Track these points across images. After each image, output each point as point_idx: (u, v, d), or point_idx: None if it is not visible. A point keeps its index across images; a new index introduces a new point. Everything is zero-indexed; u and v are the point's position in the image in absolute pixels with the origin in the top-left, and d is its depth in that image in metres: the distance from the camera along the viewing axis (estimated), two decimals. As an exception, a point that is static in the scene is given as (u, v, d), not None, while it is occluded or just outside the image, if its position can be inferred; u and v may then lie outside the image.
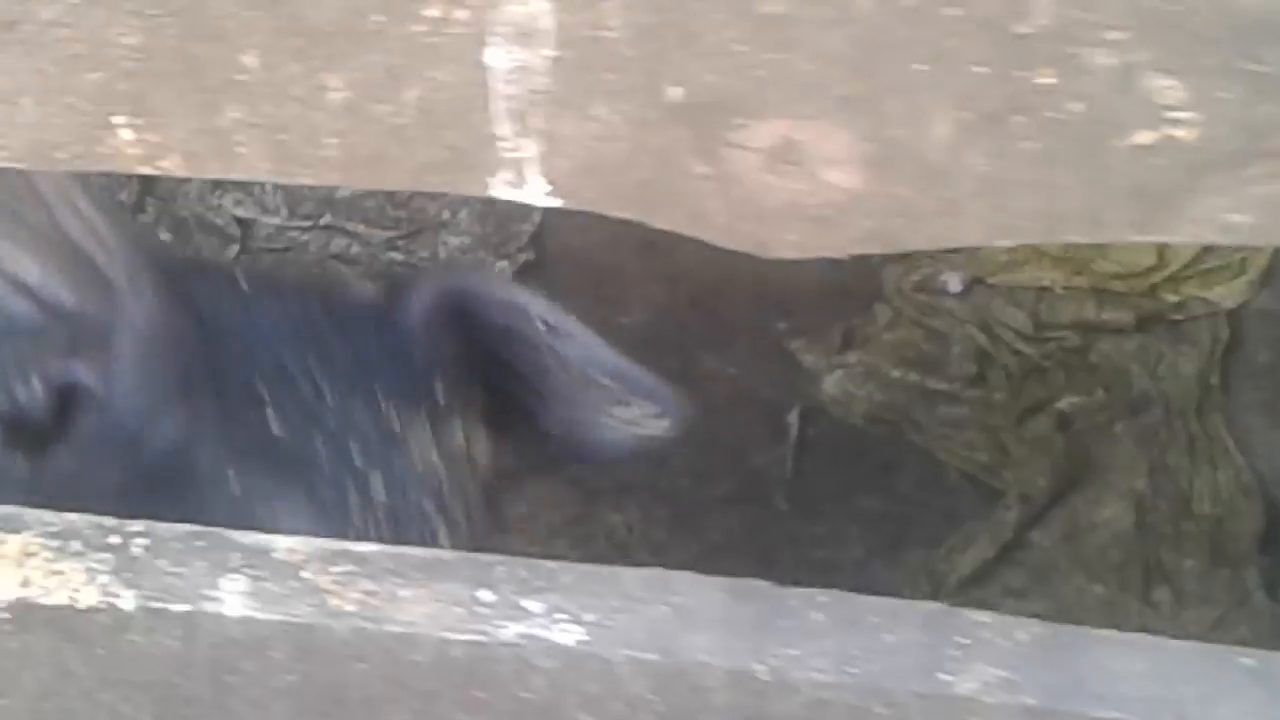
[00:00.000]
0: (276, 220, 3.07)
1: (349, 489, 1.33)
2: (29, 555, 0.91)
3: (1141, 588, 2.69)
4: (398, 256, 3.04)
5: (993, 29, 0.70)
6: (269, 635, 0.90)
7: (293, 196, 3.08)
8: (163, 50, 0.73)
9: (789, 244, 0.76)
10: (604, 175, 0.76)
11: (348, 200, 3.09)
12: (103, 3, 0.72)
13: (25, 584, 0.90)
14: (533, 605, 0.90)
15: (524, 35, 0.72)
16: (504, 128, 0.75)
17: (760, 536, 2.83)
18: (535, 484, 2.85)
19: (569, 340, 1.42)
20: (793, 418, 2.95)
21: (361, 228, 3.06)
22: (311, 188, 3.08)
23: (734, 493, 2.88)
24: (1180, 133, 0.71)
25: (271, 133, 0.76)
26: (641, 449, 1.51)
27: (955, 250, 3.06)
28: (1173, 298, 3.00)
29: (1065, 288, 3.02)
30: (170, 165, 0.76)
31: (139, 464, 1.30)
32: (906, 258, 3.08)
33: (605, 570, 0.92)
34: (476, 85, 0.74)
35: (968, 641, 0.87)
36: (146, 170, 0.76)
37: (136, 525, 0.93)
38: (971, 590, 2.69)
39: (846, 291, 3.11)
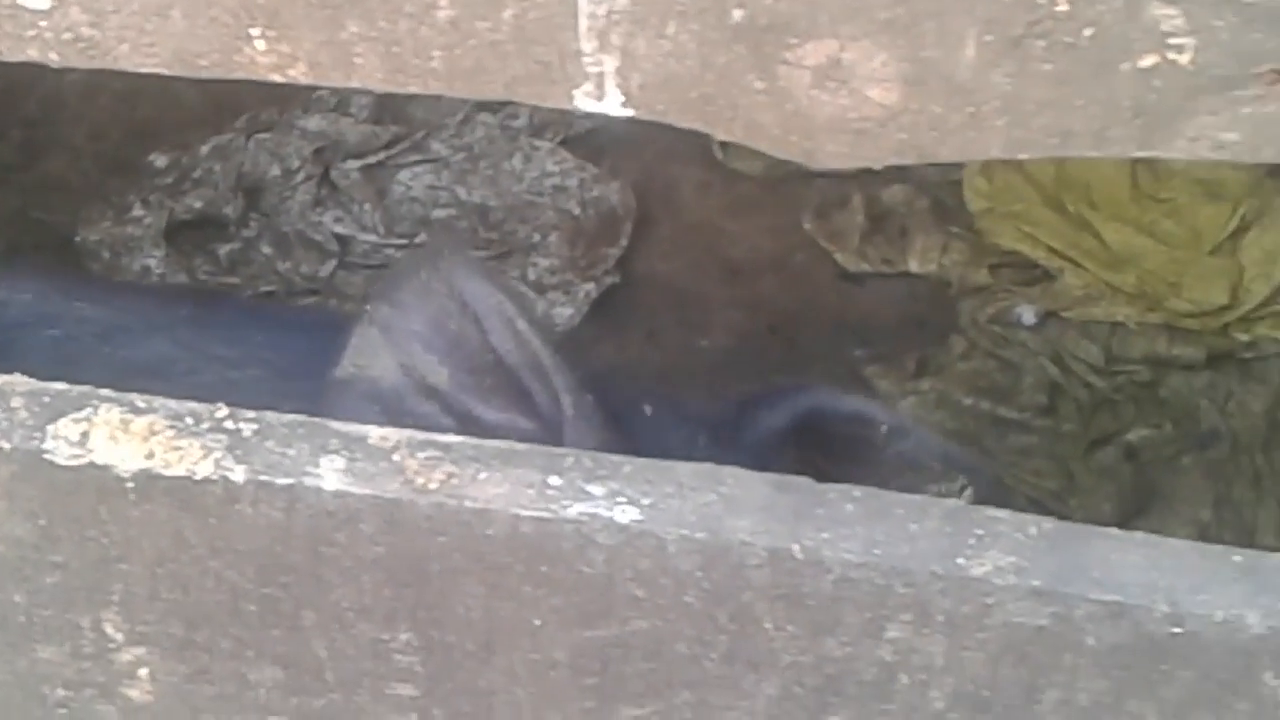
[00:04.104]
0: (373, 238, 3.20)
1: None
2: (154, 433, 1.02)
3: (1203, 615, 2.74)
4: (489, 276, 3.16)
5: (1013, -41, 0.80)
6: (361, 509, 1.00)
7: (390, 215, 3.22)
8: (293, -32, 0.85)
9: (832, 154, 0.87)
10: (673, 89, 0.86)
11: (442, 221, 3.22)
12: (244, -76, 0.84)
13: (149, 456, 1.01)
14: (595, 489, 1.00)
15: (606, -41, 0.83)
16: (588, 45, 0.86)
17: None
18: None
19: (906, 436, 1.55)
20: (866, 441, 3.03)
21: (455, 247, 3.18)
22: (408, 208, 3.22)
23: (806, 510, 2.95)
24: (1179, 57, 0.81)
25: (386, 45, 0.87)
26: None
27: (1029, 284, 3.15)
28: (1244, 336, 3.07)
29: (1138, 323, 3.09)
30: (297, 74, 0.87)
31: None
32: (982, 290, 3.17)
33: (662, 463, 1.02)
34: (566, 5, 0.85)
35: (983, 533, 0.97)
36: (277, 78, 0.88)
37: (249, 413, 1.04)
38: (1034, 610, 2.75)
39: (923, 322, 3.20)
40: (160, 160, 3.27)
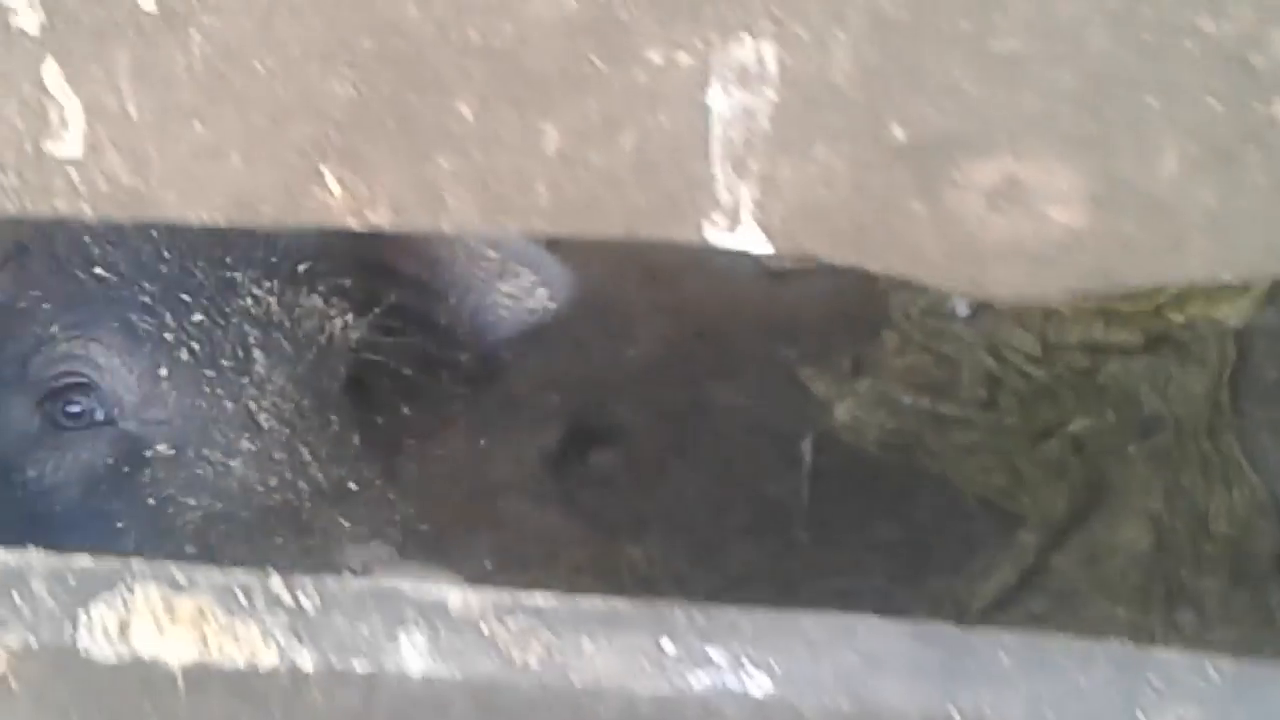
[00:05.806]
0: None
1: None
2: (203, 616, 0.89)
3: (1164, 610, 2.69)
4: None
5: (1229, 60, 0.70)
6: (450, 693, 0.88)
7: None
8: (376, 101, 0.72)
9: (1003, 283, 0.76)
10: (821, 219, 0.75)
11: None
12: (318, 55, 0.71)
13: (201, 645, 0.88)
14: (716, 653, 0.88)
15: (747, 78, 0.71)
16: (721, 172, 0.74)
17: (780, 567, 2.81)
18: (551, 520, 2.84)
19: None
20: (805, 446, 2.94)
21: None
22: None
23: (751, 523, 2.86)
24: None
25: (482, 182, 0.74)
26: (529, 324, 1.66)
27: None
28: (1179, 317, 3.01)
29: (1072, 309, 3.03)
30: (378, 218, 0.75)
31: None
32: (911, 282, 3.10)
33: (785, 617, 0.91)
34: (695, 129, 0.73)
35: (1160, 683, 0.86)
36: (353, 223, 0.75)
37: (307, 582, 0.91)
38: (996, 616, 2.68)
39: (852, 317, 3.11)
40: None
